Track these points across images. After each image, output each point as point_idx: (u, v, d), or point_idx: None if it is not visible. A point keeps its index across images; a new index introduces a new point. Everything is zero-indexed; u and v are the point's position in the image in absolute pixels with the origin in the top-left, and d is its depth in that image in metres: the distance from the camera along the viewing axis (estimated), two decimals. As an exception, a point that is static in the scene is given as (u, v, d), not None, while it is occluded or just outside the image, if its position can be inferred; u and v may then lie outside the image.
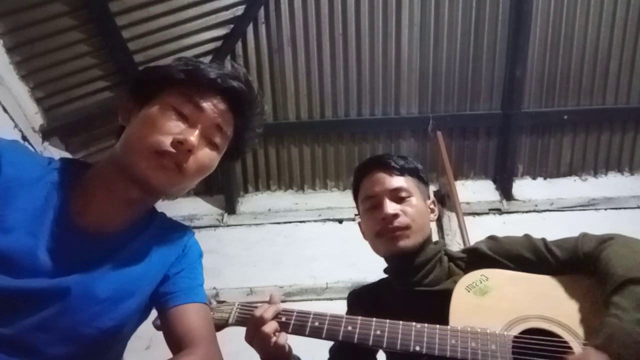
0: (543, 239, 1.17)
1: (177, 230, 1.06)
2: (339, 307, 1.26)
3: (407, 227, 1.22)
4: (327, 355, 1.31)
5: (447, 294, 1.11)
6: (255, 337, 1.08)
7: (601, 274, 1.02)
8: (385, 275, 1.32)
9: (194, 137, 0.90)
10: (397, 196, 1.26)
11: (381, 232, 1.24)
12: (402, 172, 1.30)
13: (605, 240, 1.09)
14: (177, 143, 0.88)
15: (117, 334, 0.92)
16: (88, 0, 2.80)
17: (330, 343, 1.26)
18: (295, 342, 1.20)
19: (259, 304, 1.15)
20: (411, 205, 1.25)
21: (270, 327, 1.07)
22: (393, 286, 1.29)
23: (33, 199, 0.85)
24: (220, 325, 1.15)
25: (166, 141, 0.88)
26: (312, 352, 1.24)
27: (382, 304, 1.27)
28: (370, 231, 1.28)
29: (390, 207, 1.23)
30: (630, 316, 0.90)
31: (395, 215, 1.22)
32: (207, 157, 0.94)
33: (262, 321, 1.08)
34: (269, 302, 1.14)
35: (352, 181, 1.39)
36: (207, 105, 0.92)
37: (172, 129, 0.89)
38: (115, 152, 0.93)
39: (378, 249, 1.29)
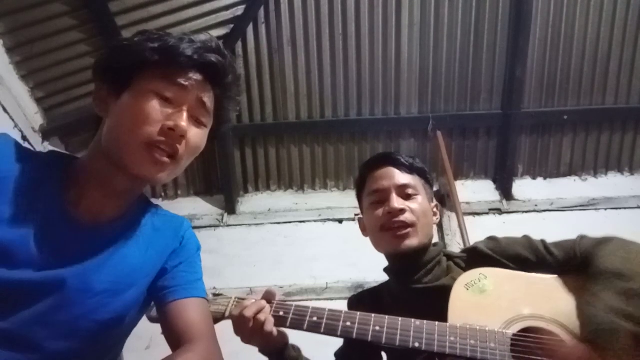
0: (542, 240, 1.17)
1: (173, 222, 1.04)
2: (339, 307, 1.26)
3: (412, 225, 1.21)
4: (326, 354, 1.31)
5: (445, 290, 1.11)
6: (245, 337, 1.10)
7: (593, 271, 1.04)
8: (385, 278, 1.32)
9: (184, 121, 0.87)
10: (404, 192, 1.25)
11: (386, 226, 1.22)
12: (411, 170, 1.30)
13: (603, 241, 1.10)
14: (168, 130, 0.86)
15: (116, 328, 0.92)
16: (88, 0, 2.80)
17: (330, 340, 1.26)
18: (296, 342, 1.20)
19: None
20: (418, 203, 1.25)
21: (257, 322, 1.07)
22: (392, 286, 1.29)
23: (26, 191, 0.85)
24: (216, 319, 1.14)
25: (156, 130, 0.85)
26: (312, 354, 1.24)
27: (382, 305, 1.26)
28: (373, 225, 1.27)
29: (397, 201, 1.23)
30: (609, 307, 0.94)
31: (402, 210, 1.21)
32: (197, 137, 0.92)
33: (245, 319, 1.08)
34: (263, 298, 1.14)
35: (357, 177, 1.38)
36: (188, 83, 0.89)
37: (159, 116, 0.86)
38: (100, 145, 0.90)
39: (380, 245, 1.28)
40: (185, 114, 0.88)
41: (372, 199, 1.29)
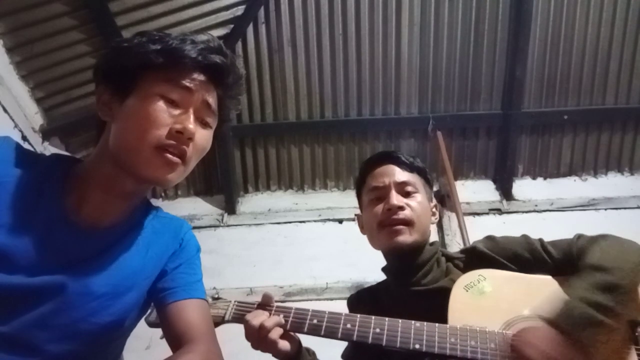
0: (540, 239, 1.18)
1: (173, 224, 1.04)
2: (339, 307, 1.25)
3: (410, 222, 1.21)
4: (328, 355, 1.31)
5: (444, 292, 1.11)
6: (261, 346, 1.09)
7: (579, 266, 1.05)
8: (383, 276, 1.32)
9: (191, 123, 0.87)
10: (404, 190, 1.26)
11: (384, 222, 1.23)
12: (411, 168, 1.30)
13: (597, 238, 1.11)
14: (176, 133, 0.86)
15: (116, 330, 0.92)
16: (88, 0, 2.80)
17: (331, 343, 1.26)
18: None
19: (254, 304, 1.16)
20: (417, 201, 1.25)
21: (275, 333, 1.08)
22: (391, 287, 1.29)
23: (26, 195, 0.85)
24: (216, 323, 1.15)
25: (164, 133, 0.85)
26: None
27: (381, 305, 1.26)
28: (371, 222, 1.27)
29: (397, 198, 1.23)
30: (581, 295, 0.95)
31: (401, 207, 1.22)
32: (204, 139, 0.93)
33: (265, 330, 1.08)
34: (262, 303, 1.14)
35: (358, 174, 1.38)
36: (193, 85, 0.88)
37: (166, 120, 0.86)
38: (105, 148, 0.89)
39: (375, 242, 1.28)
40: (191, 116, 0.88)
41: (371, 195, 1.29)
